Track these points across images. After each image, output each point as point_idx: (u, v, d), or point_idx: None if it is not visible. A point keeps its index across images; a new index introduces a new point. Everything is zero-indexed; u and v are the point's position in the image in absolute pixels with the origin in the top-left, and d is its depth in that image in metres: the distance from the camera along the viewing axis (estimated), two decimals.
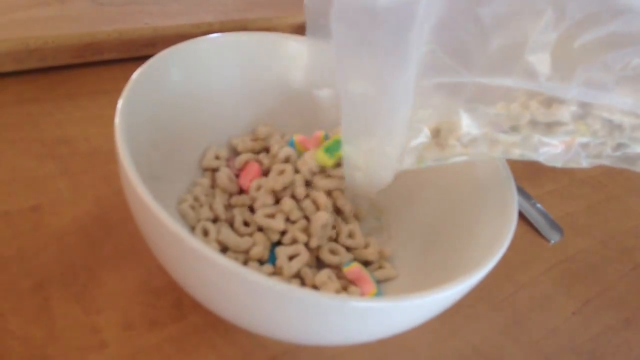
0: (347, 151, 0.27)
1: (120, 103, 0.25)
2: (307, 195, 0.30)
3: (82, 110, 0.37)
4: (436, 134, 0.26)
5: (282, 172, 0.30)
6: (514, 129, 0.26)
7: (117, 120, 0.24)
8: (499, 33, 0.23)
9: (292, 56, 0.33)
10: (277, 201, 0.31)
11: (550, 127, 0.25)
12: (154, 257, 0.29)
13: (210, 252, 0.20)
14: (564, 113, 0.24)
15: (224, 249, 0.29)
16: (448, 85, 0.24)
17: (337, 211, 0.32)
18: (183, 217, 0.29)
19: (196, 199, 0.30)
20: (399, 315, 0.23)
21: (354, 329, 0.23)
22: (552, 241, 0.39)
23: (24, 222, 0.30)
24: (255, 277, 0.20)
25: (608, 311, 0.36)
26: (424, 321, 0.25)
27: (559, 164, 0.25)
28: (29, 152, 0.33)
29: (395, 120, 0.25)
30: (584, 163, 0.25)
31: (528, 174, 0.46)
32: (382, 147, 0.26)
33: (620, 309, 0.36)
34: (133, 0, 0.45)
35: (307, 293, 0.20)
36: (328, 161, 0.30)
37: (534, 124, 0.25)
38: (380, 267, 0.31)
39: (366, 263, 0.31)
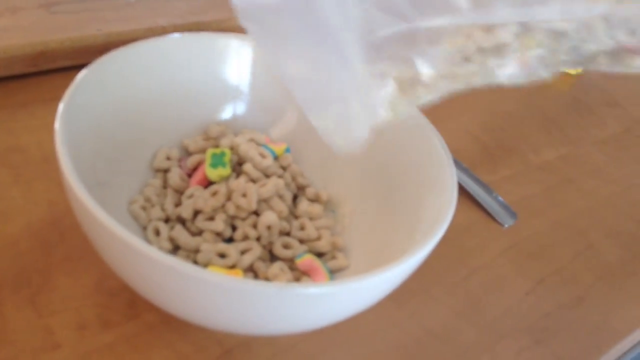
0: (315, 123, 0.28)
1: (60, 107, 0.25)
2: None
3: (36, 119, 0.38)
4: (400, 82, 0.27)
5: (215, 193, 0.31)
6: (467, 59, 0.27)
7: (58, 125, 0.24)
8: None
9: (236, 54, 0.34)
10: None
11: (498, 49, 0.26)
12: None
13: (151, 249, 0.21)
14: (504, 34, 0.25)
15: (177, 248, 0.30)
16: (394, 36, 0.26)
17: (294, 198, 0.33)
18: (135, 218, 0.30)
19: (147, 199, 0.31)
20: (342, 299, 0.23)
21: (299, 316, 0.24)
22: (506, 225, 0.40)
23: None
24: (197, 272, 0.21)
25: (561, 290, 0.37)
26: (370, 304, 0.25)
27: (521, 80, 0.27)
28: None
29: (344, 84, 0.26)
30: (545, 73, 0.26)
31: (483, 161, 0.47)
32: (345, 111, 0.27)
33: (573, 287, 0.38)
34: (87, 8, 0.45)
35: (247, 283, 0.21)
36: (221, 174, 0.31)
37: (482, 51, 0.26)
38: (333, 258, 0.32)
39: (320, 254, 0.32)
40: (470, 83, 0.27)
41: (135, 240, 0.21)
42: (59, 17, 0.43)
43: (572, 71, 0.65)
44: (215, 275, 0.21)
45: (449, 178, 0.28)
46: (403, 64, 0.27)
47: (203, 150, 0.34)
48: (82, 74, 0.27)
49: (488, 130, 0.51)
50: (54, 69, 0.41)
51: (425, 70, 0.27)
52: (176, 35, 0.32)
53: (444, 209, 0.26)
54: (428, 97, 0.28)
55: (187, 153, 0.34)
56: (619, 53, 0.26)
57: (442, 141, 0.30)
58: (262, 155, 0.32)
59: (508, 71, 0.26)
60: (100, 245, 0.24)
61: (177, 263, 0.20)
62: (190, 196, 0.31)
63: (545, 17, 0.25)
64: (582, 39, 0.26)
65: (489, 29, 0.26)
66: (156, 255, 0.21)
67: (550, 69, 0.26)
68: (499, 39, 0.26)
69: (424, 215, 0.28)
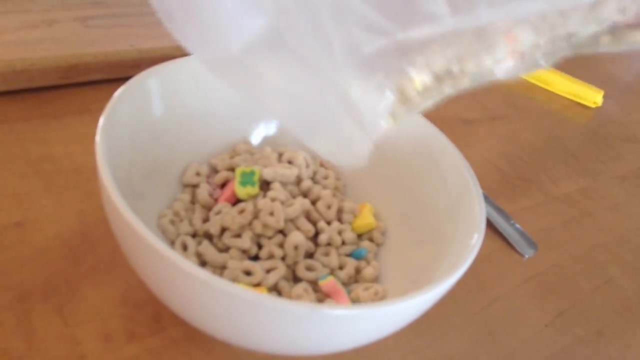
0: (314, 147, 0.28)
1: (101, 121, 0.26)
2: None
3: (68, 129, 0.38)
4: (398, 92, 0.28)
5: (242, 211, 0.31)
6: (461, 61, 0.27)
7: (98, 137, 0.25)
8: None
9: None
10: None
11: (490, 47, 0.26)
12: (134, 272, 0.30)
13: (185, 263, 0.21)
14: (493, 33, 0.25)
15: (203, 263, 0.30)
16: (383, 50, 0.26)
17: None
18: (163, 231, 0.30)
19: (176, 214, 0.31)
20: (369, 323, 0.23)
21: (326, 338, 0.24)
22: (527, 256, 0.40)
23: (8, 238, 0.30)
24: (230, 287, 0.21)
25: (580, 323, 0.37)
26: (394, 330, 0.26)
27: (521, 72, 0.26)
28: (15, 169, 0.34)
29: (333, 107, 0.26)
30: (544, 62, 0.26)
31: (503, 190, 0.47)
32: (340, 132, 0.27)
33: (592, 321, 0.37)
34: (119, 23, 0.46)
35: (280, 302, 0.21)
36: (249, 192, 0.32)
37: (474, 52, 0.26)
38: (356, 282, 0.32)
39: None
40: (457, 85, 0.27)
41: (172, 254, 0.21)
42: (93, 31, 0.44)
43: (591, 104, 0.66)
44: (251, 293, 0.21)
45: (477, 212, 0.28)
46: (397, 74, 0.27)
47: (230, 168, 0.34)
48: (121, 89, 0.28)
49: (507, 160, 0.51)
50: (86, 81, 0.42)
51: (419, 78, 0.26)
52: None
53: (471, 242, 0.26)
54: (427, 102, 0.27)
55: (215, 170, 0.34)
56: (620, 30, 0.26)
57: (472, 175, 0.30)
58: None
59: (505, 66, 0.26)
60: (133, 256, 0.24)
61: (215, 279, 0.21)
62: (218, 213, 0.31)
63: (531, 11, 0.24)
64: (577, 23, 0.25)
65: (476, 30, 0.26)
66: (194, 271, 0.21)
67: (550, 58, 0.26)
68: (489, 37, 0.25)
69: (451, 246, 0.28)
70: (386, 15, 0.24)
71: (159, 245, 0.21)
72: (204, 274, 0.21)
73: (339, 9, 0.24)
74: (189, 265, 0.21)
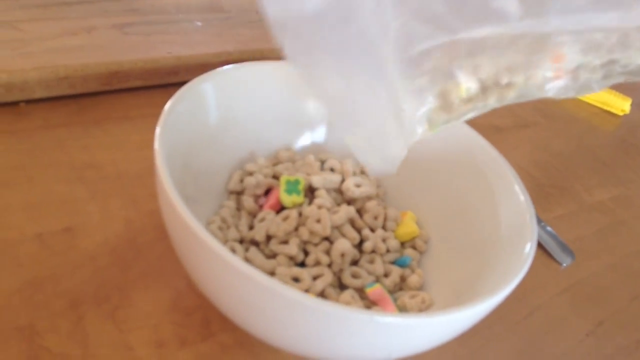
0: (349, 142, 0.27)
1: (158, 130, 0.26)
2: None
3: (109, 136, 0.39)
4: (441, 97, 0.27)
5: (286, 218, 0.31)
6: (511, 72, 0.26)
7: (157, 145, 0.25)
8: None
9: None
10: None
11: (542, 61, 0.25)
12: (182, 278, 0.31)
13: (248, 268, 0.21)
14: (550, 47, 0.24)
15: None
16: (434, 49, 0.24)
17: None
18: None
19: (223, 220, 0.31)
20: (421, 332, 0.23)
21: (378, 345, 0.24)
22: (564, 264, 0.40)
23: (57, 244, 0.31)
24: (290, 292, 0.21)
25: (620, 332, 0.37)
26: (444, 341, 0.26)
27: (571, 93, 0.25)
28: (60, 175, 0.35)
29: (380, 101, 0.25)
30: (596, 87, 0.25)
31: (538, 199, 0.47)
32: (381, 129, 0.26)
33: (632, 330, 0.37)
34: (156, 30, 0.47)
35: (336, 307, 0.21)
36: (294, 201, 0.32)
37: (529, 63, 0.25)
38: (401, 289, 0.32)
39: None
40: (503, 99, 0.26)
41: (235, 259, 0.21)
42: (131, 38, 0.45)
43: (619, 112, 0.65)
44: (313, 300, 0.21)
45: (528, 222, 0.28)
46: (443, 78, 0.26)
47: (271, 175, 0.34)
48: (177, 94, 0.28)
49: (539, 168, 0.51)
50: (126, 88, 0.43)
51: (467, 84, 0.26)
52: (258, 62, 0.33)
53: (524, 252, 0.26)
54: (468, 113, 0.27)
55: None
56: None
57: (522, 186, 0.30)
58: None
59: (556, 84, 0.25)
60: (191, 261, 0.24)
61: (280, 286, 0.21)
62: (262, 220, 0.32)
63: (601, 24, 0.23)
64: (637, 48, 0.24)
65: (538, 39, 0.24)
66: (257, 276, 0.21)
67: (603, 82, 0.25)
68: (545, 51, 0.24)
69: (500, 256, 0.28)
70: (452, 8, 0.23)
71: (221, 249, 0.22)
72: (267, 280, 0.21)
73: None
74: (253, 271, 0.21)
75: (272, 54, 0.48)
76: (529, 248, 0.27)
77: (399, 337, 0.23)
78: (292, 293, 0.21)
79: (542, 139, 0.56)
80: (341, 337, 0.23)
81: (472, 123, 0.54)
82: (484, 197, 0.32)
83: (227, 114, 0.32)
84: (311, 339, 0.23)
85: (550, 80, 0.26)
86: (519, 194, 0.30)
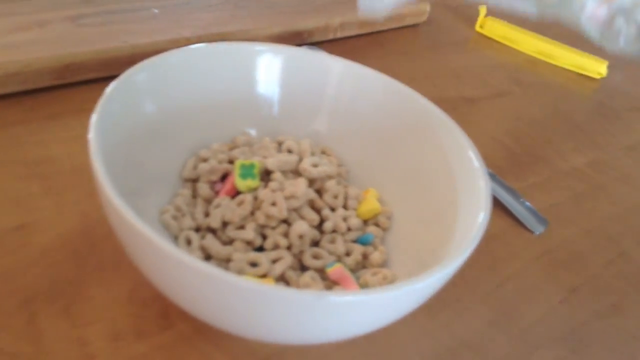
0: None
1: (93, 118, 0.25)
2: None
3: (66, 130, 0.38)
4: None
5: (241, 203, 0.31)
6: None
7: (91, 136, 0.24)
8: None
9: (263, 64, 0.34)
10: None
11: None
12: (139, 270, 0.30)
13: (187, 257, 0.21)
14: None
15: (208, 257, 0.30)
16: None
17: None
18: (166, 227, 0.30)
19: (178, 209, 0.31)
20: (377, 307, 0.23)
21: (334, 325, 0.23)
22: (537, 232, 0.40)
23: (10, 242, 0.30)
24: (233, 279, 0.21)
25: (595, 298, 0.36)
26: (401, 314, 0.25)
27: (595, 34, 0.24)
28: (15, 173, 0.34)
29: None
30: (622, 42, 0.24)
31: (511, 168, 0.46)
32: None
33: (607, 296, 0.37)
34: (112, 20, 0.46)
35: (284, 291, 0.21)
36: (250, 185, 0.31)
37: None
38: (364, 267, 0.31)
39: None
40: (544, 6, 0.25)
41: (173, 250, 0.21)
42: (85, 30, 0.44)
43: (595, 75, 0.65)
44: (255, 284, 0.20)
45: (482, 190, 0.27)
46: None
47: (229, 160, 0.34)
48: (112, 85, 0.27)
49: (514, 137, 0.50)
50: (82, 81, 0.42)
51: None
52: (202, 45, 0.32)
53: (477, 221, 0.26)
54: None
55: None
56: None
57: (476, 152, 0.30)
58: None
59: (592, 17, 0.24)
60: (136, 254, 0.24)
61: (217, 272, 0.20)
62: (218, 206, 0.31)
63: None
64: None
65: None
66: (195, 264, 0.20)
67: (633, 46, 0.24)
68: None
69: (457, 227, 0.28)
70: None
71: (159, 240, 0.21)
72: (208, 267, 0.20)
73: None
74: (191, 259, 0.21)
75: (232, 37, 0.47)
76: (483, 216, 0.26)
77: (350, 314, 0.23)
78: (228, 277, 0.20)
79: (516, 108, 0.55)
80: (289, 320, 0.22)
81: (442, 96, 0.54)
82: (441, 166, 0.31)
83: (172, 100, 0.31)
84: (262, 324, 0.23)
85: (587, 11, 0.24)
86: (473, 160, 0.29)
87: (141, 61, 0.43)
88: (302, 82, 0.35)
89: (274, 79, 0.35)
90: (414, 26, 0.66)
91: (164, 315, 0.28)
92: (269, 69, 0.34)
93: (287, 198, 0.31)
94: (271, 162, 0.32)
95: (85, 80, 0.42)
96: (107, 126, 0.26)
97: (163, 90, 0.31)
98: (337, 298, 0.21)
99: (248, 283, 0.21)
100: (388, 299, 0.23)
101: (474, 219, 0.26)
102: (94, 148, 0.24)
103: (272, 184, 0.31)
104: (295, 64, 0.35)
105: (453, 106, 0.53)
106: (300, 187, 0.31)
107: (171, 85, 0.31)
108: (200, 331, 0.28)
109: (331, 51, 0.51)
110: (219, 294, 0.22)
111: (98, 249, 0.31)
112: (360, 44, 0.59)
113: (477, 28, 0.69)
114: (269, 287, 0.21)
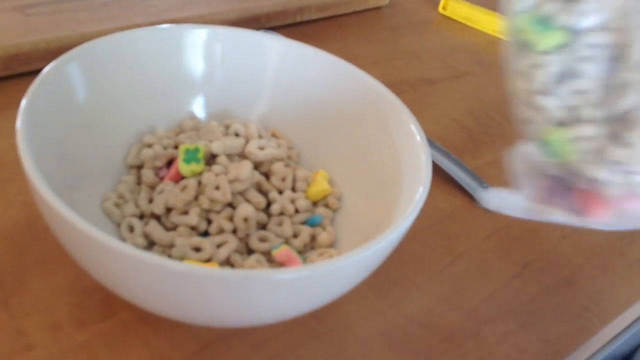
0: None
1: (22, 104, 0.25)
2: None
3: (11, 122, 0.37)
4: None
5: (184, 188, 0.30)
6: None
7: (19, 123, 0.24)
8: None
9: (204, 44, 0.34)
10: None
11: None
12: None
13: (108, 239, 0.20)
14: None
15: (152, 244, 0.29)
16: None
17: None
18: (108, 215, 0.29)
19: (120, 196, 0.30)
20: (310, 284, 0.23)
21: (274, 302, 0.23)
22: (490, 209, 0.40)
23: None
24: (160, 262, 0.20)
25: (548, 273, 0.37)
26: (342, 289, 0.25)
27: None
28: None
29: None
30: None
31: (468, 147, 0.46)
32: None
33: (560, 270, 0.37)
34: (62, 9, 0.45)
35: (209, 271, 0.21)
36: (194, 169, 0.31)
37: None
38: (312, 249, 0.31)
39: None
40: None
41: (99, 234, 0.20)
42: (33, 19, 0.43)
43: None
44: (181, 265, 0.20)
45: (423, 164, 0.27)
46: None
47: (173, 146, 0.33)
48: (44, 71, 0.27)
49: (473, 117, 0.51)
50: (30, 71, 0.41)
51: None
52: (140, 29, 0.32)
53: (415, 196, 0.26)
54: None
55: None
56: None
57: (419, 128, 0.30)
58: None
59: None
60: (68, 244, 0.23)
61: (143, 255, 0.20)
62: (161, 192, 0.31)
63: None
64: None
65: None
66: (121, 248, 0.20)
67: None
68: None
69: (400, 201, 0.28)
70: None
71: (86, 227, 0.21)
72: (136, 252, 0.20)
73: None
74: (120, 245, 0.20)
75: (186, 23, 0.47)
76: (422, 190, 0.26)
77: (283, 292, 0.23)
78: (154, 259, 0.20)
79: (477, 88, 0.55)
80: (215, 300, 0.22)
81: (402, 78, 0.54)
82: (386, 143, 0.31)
83: (106, 89, 0.31)
84: (197, 307, 0.23)
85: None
86: (415, 135, 0.29)
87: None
88: (242, 63, 0.35)
89: (212, 60, 0.34)
90: (376, 9, 0.66)
91: (106, 304, 0.28)
92: (205, 50, 0.34)
93: (231, 181, 0.30)
94: (216, 146, 0.32)
95: (34, 70, 0.41)
96: (38, 116, 0.25)
97: (95, 78, 0.30)
98: (261, 276, 0.21)
99: (174, 265, 0.20)
100: (312, 278, 0.22)
101: (413, 193, 0.26)
102: (22, 137, 0.24)
103: (216, 168, 0.31)
104: (230, 45, 0.35)
105: (413, 88, 0.53)
106: (244, 169, 0.31)
107: (105, 72, 0.31)
108: (142, 319, 0.28)
109: (290, 36, 0.51)
110: (152, 280, 0.21)
111: (40, 240, 0.30)
112: (320, 28, 0.59)
113: (440, 10, 0.68)
114: (193, 267, 0.20)
